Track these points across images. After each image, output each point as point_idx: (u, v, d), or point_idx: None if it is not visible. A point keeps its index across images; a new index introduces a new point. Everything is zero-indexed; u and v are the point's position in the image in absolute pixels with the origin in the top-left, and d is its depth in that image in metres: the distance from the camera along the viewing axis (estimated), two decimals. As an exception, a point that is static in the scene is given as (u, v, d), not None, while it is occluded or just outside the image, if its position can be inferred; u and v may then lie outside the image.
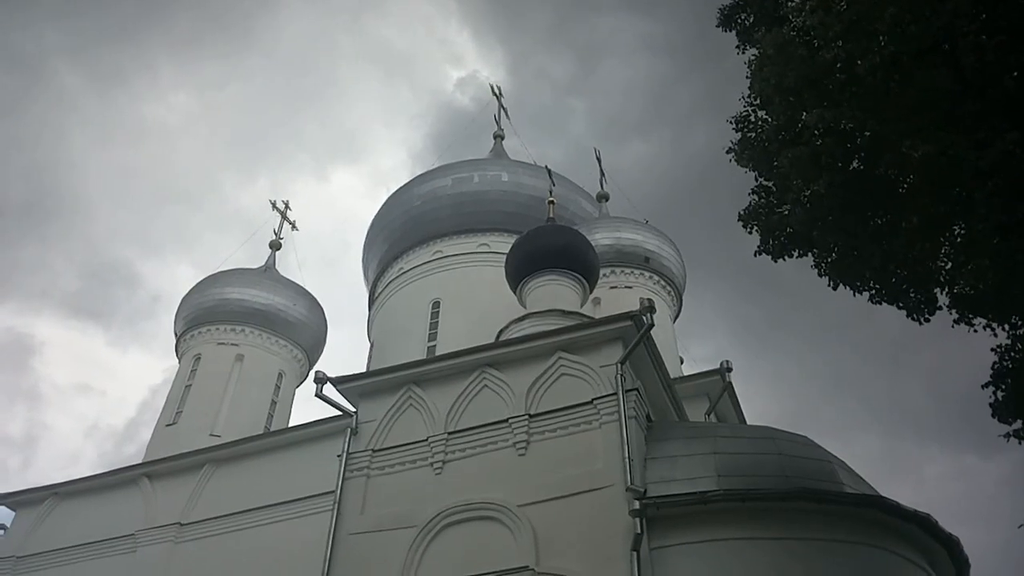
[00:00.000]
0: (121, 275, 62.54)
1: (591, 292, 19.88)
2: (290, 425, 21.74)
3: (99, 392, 63.79)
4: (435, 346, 23.09)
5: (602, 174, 28.48)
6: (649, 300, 14.03)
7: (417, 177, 28.85)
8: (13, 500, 19.71)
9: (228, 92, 67.79)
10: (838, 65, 9.53)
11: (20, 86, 57.24)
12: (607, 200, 27.60)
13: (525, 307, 19.02)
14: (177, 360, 26.47)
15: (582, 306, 19.11)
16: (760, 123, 10.96)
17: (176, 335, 26.82)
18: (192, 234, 67.24)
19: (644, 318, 13.67)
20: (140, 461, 20.89)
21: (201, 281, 27.15)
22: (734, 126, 11.16)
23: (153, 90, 64.24)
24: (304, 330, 27.02)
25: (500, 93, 34.49)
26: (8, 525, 19.55)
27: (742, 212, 11.05)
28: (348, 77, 71.96)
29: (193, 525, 16.79)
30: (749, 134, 11.06)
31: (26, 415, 60.95)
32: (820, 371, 54.60)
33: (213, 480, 17.48)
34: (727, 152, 11.28)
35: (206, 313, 25.94)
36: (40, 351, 67.31)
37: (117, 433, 60.52)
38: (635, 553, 11.11)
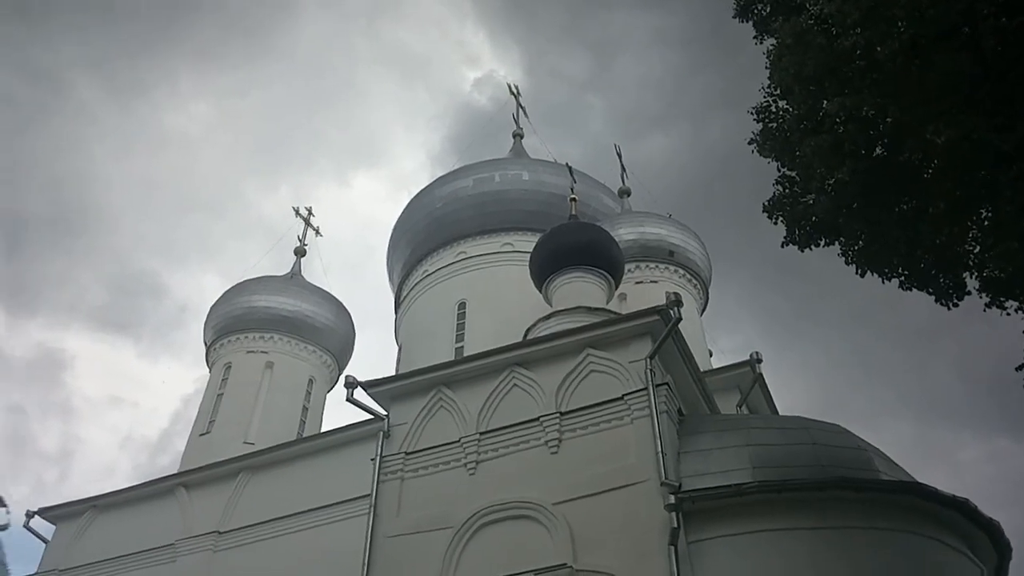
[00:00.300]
0: (148, 286, 63.47)
1: (616, 288, 19.91)
2: (322, 430, 21.95)
3: (131, 404, 64.79)
4: (463, 347, 23.22)
5: (623, 169, 28.50)
6: (676, 294, 14.02)
7: (438, 179, 29.00)
8: (53, 514, 20.06)
9: (248, 100, 68.60)
10: (857, 52, 9.48)
11: (40, 100, 58.25)
12: (629, 195, 27.59)
13: (551, 305, 19.09)
14: (208, 369, 26.85)
15: (608, 302, 19.15)
16: (781, 113, 10.95)
17: (206, 344, 27.19)
18: (216, 243, 68.06)
19: (671, 312, 13.66)
20: (176, 471, 21.21)
21: (228, 290, 27.52)
22: (755, 117, 11.16)
23: (173, 100, 65.10)
24: (332, 335, 27.28)
25: (518, 92, 34.61)
26: (49, 539, 19.92)
27: (766, 203, 11.05)
28: (366, 81, 72.51)
29: (231, 533, 17.01)
30: (770, 124, 11.05)
31: (60, 429, 62.08)
32: (849, 359, 54.16)
33: (249, 487, 17.70)
34: (749, 143, 11.28)
35: (235, 322, 26.28)
36: (71, 365, 68.50)
37: (151, 444, 61.44)
38: (672, 547, 11.15)
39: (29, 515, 19.84)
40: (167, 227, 67.32)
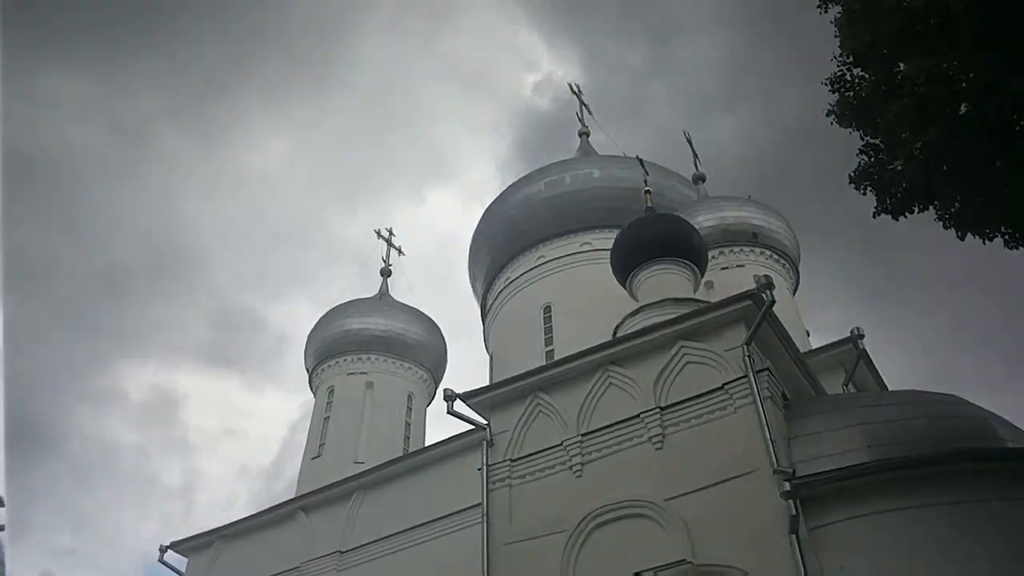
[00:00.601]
0: (246, 320, 65.99)
1: (702, 276, 19.67)
2: (427, 444, 22.45)
3: (242, 434, 67.40)
4: (553, 350, 23.35)
5: (695, 155, 28.10)
6: (766, 276, 13.80)
7: (510, 186, 29.24)
8: (185, 547, 21.12)
9: (319, 131, 70.53)
10: (930, 10, 9.21)
11: (127, 153, 61.36)
12: (704, 181, 27.19)
13: (637, 300, 19.02)
14: (313, 394, 27.80)
15: (695, 292, 18.94)
16: (857, 81, 10.75)
17: (308, 370, 28.17)
18: (305, 272, 70.23)
19: (763, 295, 13.45)
20: (293, 495, 22.04)
21: (323, 316, 28.45)
22: (829, 87, 11.00)
23: (249, 139, 67.48)
24: (425, 351, 27.85)
25: (579, 91, 34.54)
26: (183, 571, 20.96)
27: (852, 174, 10.86)
28: (429, 98, 73.58)
29: (352, 551, 17.61)
30: (847, 93, 10.86)
31: (181, 464, 65.09)
32: (955, 326, 51.59)
33: (364, 506, 18.28)
34: (827, 115, 11.14)
35: (332, 346, 27.16)
36: (184, 403, 71.67)
37: (265, 471, 63.71)
38: (793, 535, 10.97)
39: (162, 550, 20.94)
40: (257, 262, 69.89)
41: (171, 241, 63.17)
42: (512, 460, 15.02)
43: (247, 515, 20.63)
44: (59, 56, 56.64)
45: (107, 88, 58.98)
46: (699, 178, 27.30)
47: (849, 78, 10.80)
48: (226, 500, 60.30)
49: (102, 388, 61.00)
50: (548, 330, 24.42)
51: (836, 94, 10.95)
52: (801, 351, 15.66)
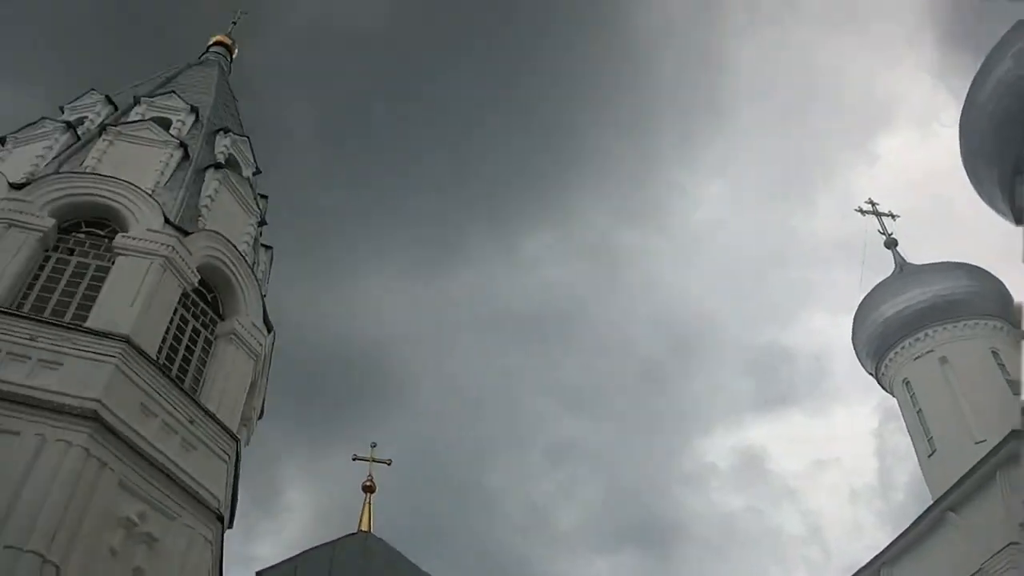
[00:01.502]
0: (776, 356, 66.40)
1: None
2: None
3: (833, 461, 66.27)
4: None
5: None
6: None
7: (974, 82, 24.89)
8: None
9: (750, 152, 70.52)
10: None
11: (604, 271, 68.22)
12: None
13: None
14: (889, 393, 26.47)
15: None
16: None
17: (872, 373, 27.04)
18: (801, 286, 68.88)
19: None
20: (928, 501, 20.87)
21: (856, 316, 27.28)
22: None
23: (690, 200, 69.98)
24: (981, 299, 24.71)
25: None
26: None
27: None
28: (832, 60, 69.12)
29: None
30: None
31: (794, 509, 65.95)
32: None
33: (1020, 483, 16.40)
34: None
35: (882, 340, 25.82)
36: (765, 455, 73.53)
37: (874, 487, 61.33)
38: None
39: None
40: (754, 300, 70.77)
41: (674, 320, 67.47)
42: None
43: (897, 535, 20.11)
44: (518, 220, 66.78)
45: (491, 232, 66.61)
46: None
47: None
48: (852, 527, 58.98)
49: (692, 468, 65.75)
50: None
51: None
52: None
